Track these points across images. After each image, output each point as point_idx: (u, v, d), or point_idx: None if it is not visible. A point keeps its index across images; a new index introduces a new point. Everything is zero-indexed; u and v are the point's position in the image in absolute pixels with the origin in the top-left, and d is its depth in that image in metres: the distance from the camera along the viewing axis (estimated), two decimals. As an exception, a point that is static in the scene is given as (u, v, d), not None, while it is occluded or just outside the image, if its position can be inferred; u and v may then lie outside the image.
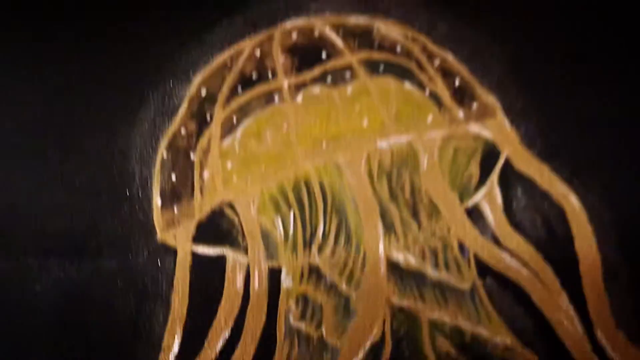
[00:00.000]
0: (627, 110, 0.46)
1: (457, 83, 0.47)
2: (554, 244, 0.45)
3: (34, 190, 0.45)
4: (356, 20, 0.49)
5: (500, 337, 0.43)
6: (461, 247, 0.45)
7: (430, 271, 0.45)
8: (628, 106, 0.46)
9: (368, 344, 0.44)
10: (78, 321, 0.45)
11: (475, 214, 0.46)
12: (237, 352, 0.43)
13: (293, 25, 0.49)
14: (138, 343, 0.44)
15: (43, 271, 0.45)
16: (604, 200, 0.45)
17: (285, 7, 0.48)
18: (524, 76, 0.47)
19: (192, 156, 0.46)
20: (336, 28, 0.49)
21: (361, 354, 0.43)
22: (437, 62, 0.47)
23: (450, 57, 0.47)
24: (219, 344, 0.44)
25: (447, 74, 0.47)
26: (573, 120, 0.46)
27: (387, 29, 0.48)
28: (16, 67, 0.47)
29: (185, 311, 0.44)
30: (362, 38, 0.49)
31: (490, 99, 0.47)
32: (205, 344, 0.44)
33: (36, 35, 0.48)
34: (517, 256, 0.45)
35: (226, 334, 0.44)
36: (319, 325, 0.44)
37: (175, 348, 0.43)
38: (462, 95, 0.46)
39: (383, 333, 0.44)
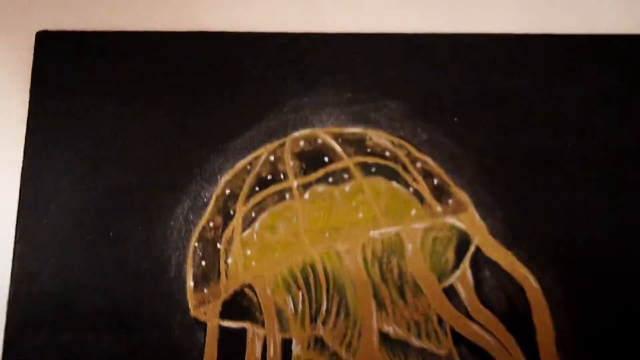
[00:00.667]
0: (576, 208, 0.51)
1: (435, 182, 0.52)
2: (516, 317, 0.49)
3: (89, 275, 0.50)
4: (352, 130, 0.54)
5: None
6: (439, 320, 0.49)
7: (414, 340, 0.49)
8: (577, 204, 0.51)
9: None
10: None
11: (451, 292, 0.50)
12: None
13: (300, 134, 0.54)
14: None
15: (96, 343, 0.49)
16: (557, 281, 0.50)
17: (294, 120, 0.54)
18: (491, 178, 0.52)
19: (218, 245, 0.51)
20: (335, 137, 0.54)
21: None
22: (419, 164, 0.52)
23: (430, 161, 0.53)
24: None
25: (427, 174, 0.52)
26: (532, 214, 0.51)
27: (378, 137, 0.53)
28: (74, 172, 0.53)
29: None
30: (357, 145, 0.54)
31: (463, 196, 0.52)
32: None
33: (98, 146, 0.54)
34: (485, 328, 0.49)
35: None
36: None
37: None
38: (440, 193, 0.52)
39: None
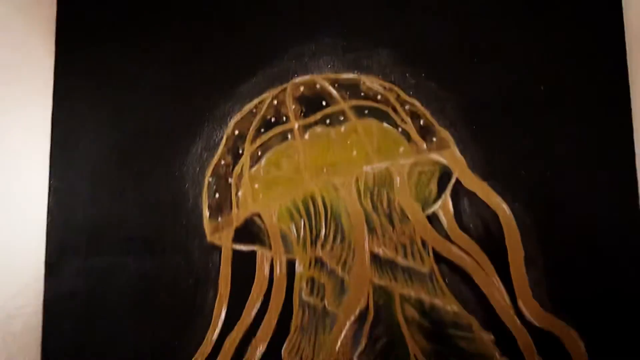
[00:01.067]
0: (546, 146, 0.57)
1: (421, 123, 0.58)
2: (490, 240, 0.56)
3: (117, 207, 0.58)
4: (347, 76, 0.60)
5: (450, 306, 0.56)
6: (423, 242, 0.57)
7: (400, 260, 0.57)
8: (546, 142, 0.57)
9: (357, 312, 0.56)
10: (152, 300, 0.57)
11: (433, 219, 0.57)
12: (266, 319, 0.56)
13: (300, 80, 0.60)
14: (196, 314, 0.57)
15: (124, 266, 0.57)
16: (527, 209, 0.56)
17: (295, 67, 0.59)
18: (471, 119, 0.58)
19: (230, 180, 0.58)
20: (332, 82, 0.59)
21: (352, 318, 0.56)
22: (407, 107, 0.58)
23: (417, 103, 0.58)
24: (253, 313, 0.56)
25: (414, 116, 0.58)
26: (506, 150, 0.57)
27: (370, 82, 0.59)
28: (103, 119, 0.60)
29: (228, 291, 0.57)
30: (351, 89, 0.59)
31: (446, 135, 0.58)
32: (244, 313, 0.56)
33: (121, 94, 0.60)
34: (463, 249, 0.56)
35: (257, 306, 0.56)
36: (322, 299, 0.57)
37: (222, 317, 0.56)
38: (425, 132, 0.58)
39: (367, 304, 0.56)
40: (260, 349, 0.55)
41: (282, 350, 0.55)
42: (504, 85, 0.58)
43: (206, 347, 0.55)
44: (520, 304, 0.55)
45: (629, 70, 0.57)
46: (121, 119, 0.59)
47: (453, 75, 0.58)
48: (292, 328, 0.56)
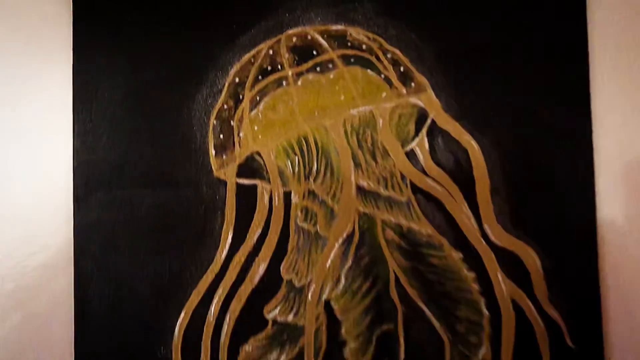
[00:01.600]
0: (514, 91, 0.63)
1: (402, 69, 0.64)
2: (461, 172, 0.63)
3: (135, 146, 0.64)
4: (335, 27, 0.65)
5: (425, 229, 0.63)
6: (402, 176, 0.64)
7: (382, 191, 0.64)
8: (515, 87, 0.63)
9: (345, 235, 0.63)
10: (168, 227, 0.64)
11: (411, 155, 0.64)
12: (266, 241, 0.63)
13: (293, 32, 0.65)
14: (206, 238, 0.64)
15: (143, 197, 0.64)
16: (493, 145, 0.62)
17: (288, 20, 0.65)
18: (446, 65, 0.63)
19: (232, 123, 0.64)
20: (322, 33, 0.65)
21: (340, 241, 0.63)
22: (389, 55, 0.64)
23: (398, 52, 0.64)
24: (255, 237, 0.64)
25: (395, 63, 0.64)
26: (477, 94, 0.63)
27: (356, 33, 0.64)
28: (119, 69, 0.66)
29: (233, 218, 0.64)
30: (339, 40, 0.65)
31: (423, 80, 0.63)
32: (247, 237, 0.63)
33: (134, 47, 0.66)
34: (437, 181, 0.63)
35: (259, 231, 0.64)
36: (315, 225, 0.64)
37: (229, 240, 0.64)
38: (405, 78, 0.64)
39: (354, 228, 0.64)
40: (262, 266, 0.63)
41: (281, 268, 0.63)
42: (476, 36, 0.64)
43: (216, 266, 0.63)
44: (486, 227, 0.62)
45: (587, 26, 0.63)
46: (135, 68, 0.65)
47: (430, 27, 0.64)
48: (289, 249, 0.64)
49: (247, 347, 0.63)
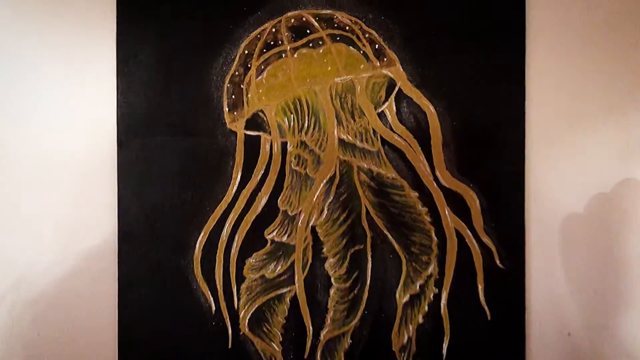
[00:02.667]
0: (461, 64, 0.75)
1: (376, 47, 0.75)
2: (419, 129, 0.75)
3: (165, 103, 0.75)
4: (325, 11, 0.76)
5: (390, 173, 0.75)
6: (374, 131, 0.75)
7: (358, 143, 0.75)
8: (461, 62, 0.75)
9: (328, 177, 0.76)
10: (191, 167, 0.75)
11: (381, 115, 0.76)
12: (267, 180, 0.75)
13: (291, 14, 0.75)
14: (220, 176, 0.75)
15: (171, 143, 0.76)
16: (446, 109, 0.75)
17: (287, 5, 0.75)
18: (411, 44, 0.75)
19: (242, 86, 0.75)
20: (314, 16, 0.75)
21: (325, 181, 0.75)
22: (367, 35, 0.75)
23: (374, 33, 0.75)
24: (259, 176, 0.76)
25: (371, 42, 0.75)
26: (434, 67, 0.75)
27: (342, 16, 0.75)
28: (152, 41, 0.77)
29: (242, 161, 0.75)
30: (328, 22, 0.75)
31: (393, 56, 0.75)
32: (252, 177, 0.75)
33: (164, 23, 0.76)
34: (401, 136, 0.75)
35: (262, 171, 0.75)
36: (305, 168, 0.76)
37: (238, 178, 0.75)
38: (379, 54, 0.75)
39: (335, 171, 0.76)
40: (264, 199, 0.76)
41: (278, 201, 0.76)
42: (434, 22, 0.76)
43: (227, 198, 0.76)
44: (437, 173, 0.75)
45: (526, 16, 0.76)
46: (165, 40, 0.76)
47: (399, 14, 0.75)
48: (285, 186, 0.76)
49: (251, 260, 0.77)
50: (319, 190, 0.77)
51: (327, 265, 0.78)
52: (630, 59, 0.76)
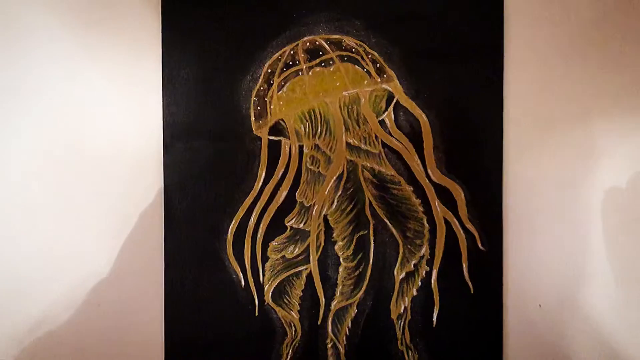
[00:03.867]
0: (448, 79, 0.85)
1: (378, 66, 0.81)
2: (414, 134, 0.83)
3: (203, 112, 0.83)
4: (335, 36, 0.82)
5: (389, 171, 0.83)
6: (375, 136, 0.82)
7: (362, 146, 0.82)
8: (449, 78, 0.85)
9: (337, 174, 0.83)
10: (224, 166, 0.83)
11: (382, 123, 0.83)
12: (286, 177, 0.83)
13: (307, 39, 0.82)
14: (248, 174, 0.83)
15: (206, 146, 0.83)
16: (436, 117, 0.83)
17: (304, 31, 0.82)
18: (407, 63, 0.82)
19: (266, 99, 0.82)
20: (326, 40, 0.82)
21: (334, 178, 0.83)
22: (369, 56, 0.82)
23: (376, 54, 0.82)
24: (280, 174, 0.83)
25: (374, 62, 0.82)
26: (426, 82, 0.82)
27: (349, 40, 0.82)
28: (191, 61, 0.87)
29: (266, 162, 0.83)
30: (337, 45, 0.82)
31: (392, 73, 0.81)
32: (274, 174, 0.83)
33: (202, 46, 0.87)
34: (398, 140, 0.83)
35: (282, 170, 0.83)
36: (318, 167, 0.83)
37: (263, 176, 0.83)
38: (380, 72, 0.82)
39: (343, 169, 0.83)
40: (284, 193, 0.84)
41: (296, 194, 0.84)
42: (425, 45, 0.85)
43: (254, 192, 0.84)
44: (429, 170, 0.83)
45: (503, 37, 0.88)
46: (203, 61, 0.84)
47: (397, 38, 0.83)
48: (301, 182, 0.84)
49: (274, 243, 0.88)
50: (330, 185, 0.84)
51: (336, 247, 0.87)
52: (594, 69, 0.88)
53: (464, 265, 0.86)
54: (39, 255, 0.94)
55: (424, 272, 0.86)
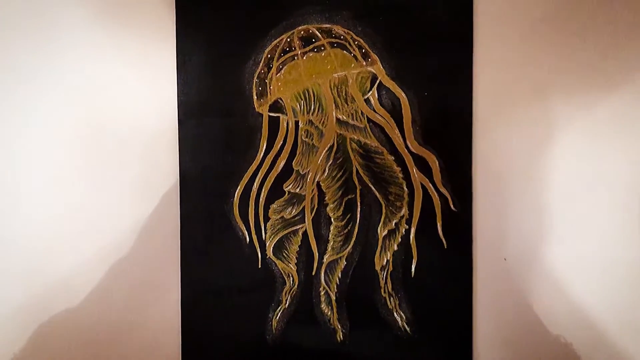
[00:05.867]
0: (426, 63, 0.93)
1: (363, 51, 0.87)
2: (395, 111, 0.89)
3: (212, 92, 0.90)
4: (326, 25, 0.88)
5: (374, 143, 0.89)
6: (362, 112, 0.88)
7: (350, 121, 0.89)
8: (427, 61, 0.94)
9: (328, 146, 0.90)
10: (231, 139, 0.91)
11: (367, 100, 0.89)
12: (284, 148, 0.90)
13: (301, 28, 0.88)
14: (251, 145, 0.90)
15: (215, 122, 0.90)
16: (414, 95, 0.89)
17: (299, 21, 0.89)
18: (389, 49, 0.88)
19: (266, 80, 0.88)
20: (318, 29, 0.88)
21: (326, 149, 0.89)
22: (356, 42, 0.87)
23: (361, 41, 0.88)
24: (279, 146, 0.90)
25: (359, 47, 0.88)
26: (405, 65, 0.88)
27: (338, 29, 0.88)
28: (202, 48, 0.94)
29: (267, 135, 0.90)
30: (328, 33, 0.88)
31: (375, 57, 0.87)
32: (274, 146, 0.90)
33: (211, 36, 0.94)
34: (382, 115, 0.89)
35: (281, 142, 0.89)
36: (312, 139, 0.89)
37: (264, 147, 0.90)
38: (365, 56, 0.87)
39: (334, 142, 0.90)
40: (282, 162, 0.92)
41: (293, 163, 0.91)
42: (404, 32, 0.92)
43: (257, 162, 0.91)
44: (408, 142, 0.89)
45: (473, 25, 0.98)
46: (212, 47, 0.91)
47: (380, 26, 0.89)
48: (297, 153, 0.91)
49: (274, 206, 0.94)
50: (322, 155, 0.92)
51: (328, 209, 0.95)
52: (555, 53, 0.97)
53: (439, 224, 0.93)
54: (71, 215, 1.06)
55: (404, 230, 0.94)
